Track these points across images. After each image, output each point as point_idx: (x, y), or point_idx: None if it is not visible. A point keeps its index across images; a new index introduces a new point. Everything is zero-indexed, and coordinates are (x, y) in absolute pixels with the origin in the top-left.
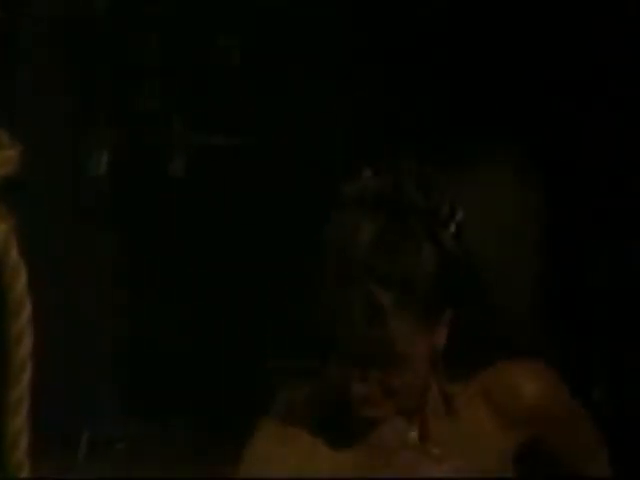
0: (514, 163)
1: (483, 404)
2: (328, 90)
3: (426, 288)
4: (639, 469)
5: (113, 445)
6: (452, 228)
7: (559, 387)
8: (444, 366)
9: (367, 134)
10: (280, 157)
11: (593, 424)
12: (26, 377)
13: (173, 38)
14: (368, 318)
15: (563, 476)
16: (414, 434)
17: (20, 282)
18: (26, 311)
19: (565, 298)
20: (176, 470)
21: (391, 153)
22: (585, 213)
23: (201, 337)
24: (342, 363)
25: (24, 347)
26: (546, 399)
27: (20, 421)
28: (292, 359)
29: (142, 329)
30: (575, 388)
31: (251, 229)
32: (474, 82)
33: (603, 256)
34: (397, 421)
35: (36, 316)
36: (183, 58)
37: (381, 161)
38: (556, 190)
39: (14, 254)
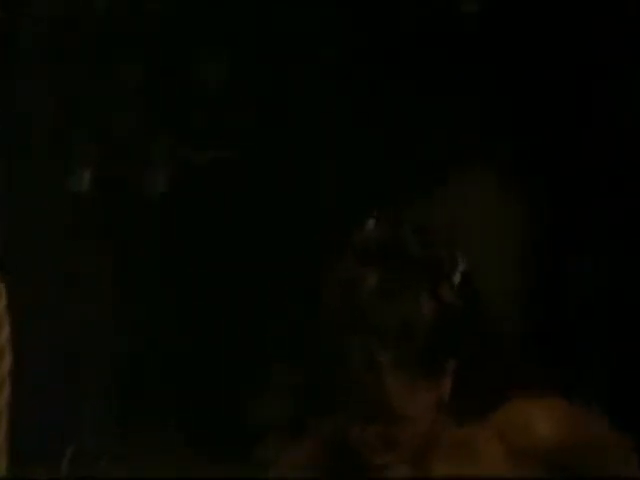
0: (511, 168)
1: (500, 446)
2: (316, 103)
3: (425, 343)
4: None
5: (99, 459)
6: (456, 278)
7: (575, 420)
8: (455, 410)
9: (358, 147)
10: (267, 172)
11: (617, 432)
12: (5, 394)
13: (157, 53)
14: (366, 375)
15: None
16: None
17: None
18: (5, 330)
19: (554, 306)
20: (176, 471)
21: (382, 162)
22: (579, 221)
23: (190, 351)
24: (343, 416)
25: (4, 365)
26: (562, 437)
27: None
28: (292, 363)
29: (131, 342)
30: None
31: (237, 244)
32: (469, 87)
33: (595, 264)
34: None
35: (20, 333)
36: (168, 74)
37: (383, 209)
38: (548, 198)
39: None
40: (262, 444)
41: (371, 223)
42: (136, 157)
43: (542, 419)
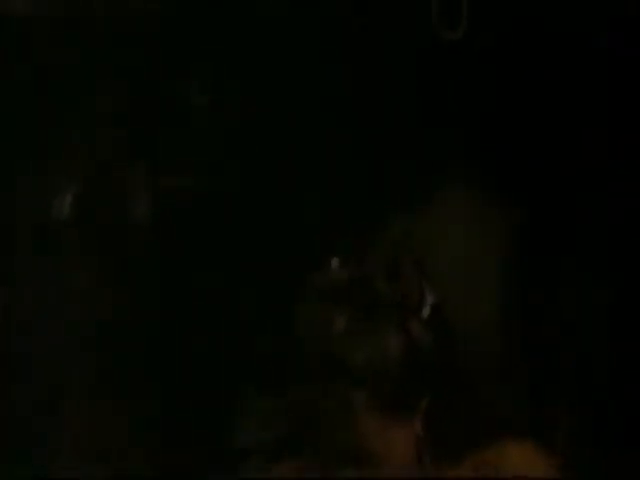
0: (496, 180)
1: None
2: (299, 128)
3: (397, 380)
4: None
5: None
6: (425, 312)
7: (542, 467)
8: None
9: (342, 171)
10: (252, 200)
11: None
12: None
13: (138, 79)
14: (340, 419)
15: None
16: None
17: None
18: None
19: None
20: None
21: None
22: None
23: (171, 380)
24: (319, 457)
25: None
26: (532, 475)
27: None
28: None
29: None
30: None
31: (220, 273)
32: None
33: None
34: None
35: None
36: (150, 99)
37: (350, 248)
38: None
39: None
40: (246, 463)
41: (335, 262)
42: (118, 181)
43: (516, 464)
